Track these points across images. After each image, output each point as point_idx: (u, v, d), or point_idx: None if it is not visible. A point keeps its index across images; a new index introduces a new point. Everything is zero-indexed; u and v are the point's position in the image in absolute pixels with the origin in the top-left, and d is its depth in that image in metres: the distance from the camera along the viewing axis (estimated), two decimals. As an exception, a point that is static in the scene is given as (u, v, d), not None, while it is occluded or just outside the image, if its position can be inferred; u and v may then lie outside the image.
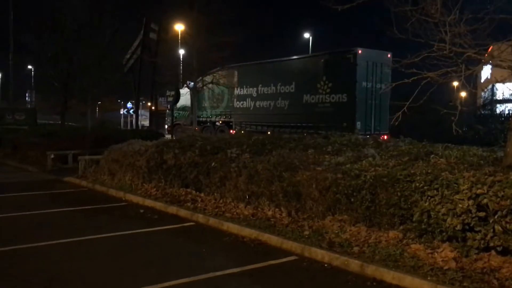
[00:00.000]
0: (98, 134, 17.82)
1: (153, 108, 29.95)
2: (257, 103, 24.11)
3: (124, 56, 25.74)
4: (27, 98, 46.45)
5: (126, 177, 11.62)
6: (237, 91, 24.56)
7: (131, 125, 41.14)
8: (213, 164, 9.47)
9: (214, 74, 21.32)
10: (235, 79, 24.16)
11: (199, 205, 9.07)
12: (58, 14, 21.53)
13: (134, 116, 30.16)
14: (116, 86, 24.61)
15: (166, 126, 30.71)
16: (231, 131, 24.95)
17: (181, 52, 24.03)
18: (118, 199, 10.54)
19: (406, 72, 7.07)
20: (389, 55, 19.80)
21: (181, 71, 22.35)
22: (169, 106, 26.04)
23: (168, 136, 20.52)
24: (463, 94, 36.87)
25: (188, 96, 23.85)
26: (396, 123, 7.52)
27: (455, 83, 26.54)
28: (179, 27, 23.62)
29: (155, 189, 10.47)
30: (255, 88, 24.17)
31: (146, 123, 41.25)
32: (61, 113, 23.40)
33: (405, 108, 7.40)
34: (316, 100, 22.21)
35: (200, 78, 20.93)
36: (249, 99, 25.27)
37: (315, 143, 9.85)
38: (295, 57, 21.13)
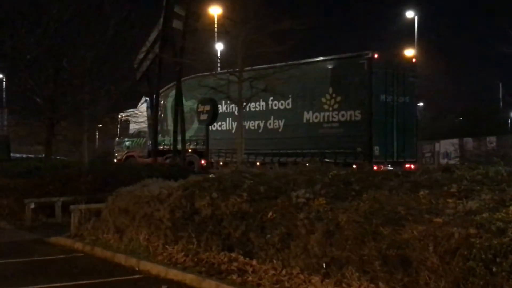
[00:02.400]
0: (99, 172, 18.20)
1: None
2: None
3: (136, 57, 26.47)
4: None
5: (140, 235, 11.69)
6: None
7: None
8: (270, 214, 9.42)
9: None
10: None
11: (250, 278, 8.97)
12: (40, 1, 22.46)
13: (150, 142, 30.68)
14: (124, 100, 25.27)
15: (115, 160, 33.02)
16: (202, 161, 26.37)
17: (219, 47, 24.51)
18: (129, 269, 10.59)
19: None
20: (413, 60, 21.27)
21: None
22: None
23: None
24: None
25: (145, 115, 24.61)
26: None
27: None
28: (215, 11, 24.11)
29: (183, 253, 10.49)
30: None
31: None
32: (45, 142, 24.07)
33: None
34: (320, 119, 23.63)
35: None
36: (230, 119, 26.83)
37: (430, 180, 9.54)
38: (291, 63, 22.65)
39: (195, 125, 27.31)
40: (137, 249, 11.35)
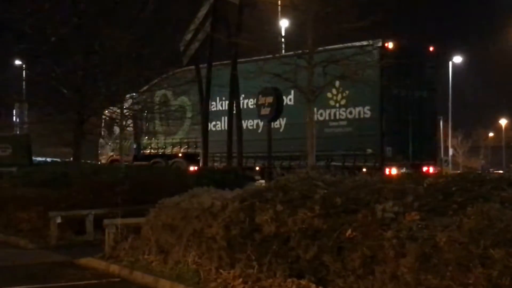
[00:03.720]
0: (137, 179, 18.43)
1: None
2: (238, 124, 26.63)
3: (182, 38, 26.71)
4: (14, 118, 49.65)
5: (188, 257, 11.78)
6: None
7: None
8: (348, 232, 9.38)
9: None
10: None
11: (325, 311, 8.95)
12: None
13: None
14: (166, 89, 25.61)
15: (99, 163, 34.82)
16: (192, 168, 27.44)
17: (284, 24, 24.50)
18: (175, 299, 10.70)
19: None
20: (431, 48, 22.26)
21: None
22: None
23: None
24: None
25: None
26: None
27: None
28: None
29: (240, 280, 10.53)
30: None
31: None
32: (73, 143, 24.49)
33: None
34: (326, 117, 25.55)
35: None
36: (226, 117, 28.09)
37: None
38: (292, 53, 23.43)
39: (186, 126, 28.14)
40: (185, 274, 11.43)
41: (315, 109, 24.21)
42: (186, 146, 30.15)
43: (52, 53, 23.26)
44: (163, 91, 28.05)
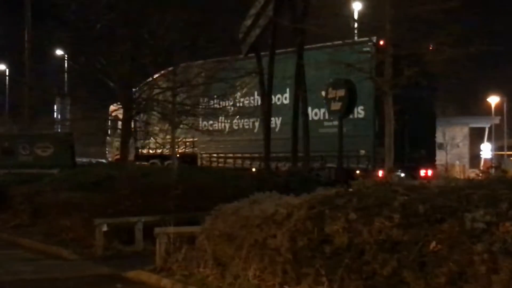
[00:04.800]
0: (192, 183, 18.50)
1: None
2: (234, 122, 29.37)
3: (241, 24, 26.72)
4: (55, 114, 50.45)
5: (248, 270, 11.77)
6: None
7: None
8: (433, 245, 9.29)
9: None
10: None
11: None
12: None
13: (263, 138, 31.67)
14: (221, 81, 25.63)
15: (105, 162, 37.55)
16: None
17: (356, 6, 24.31)
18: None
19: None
20: (431, 47, 22.10)
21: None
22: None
23: None
24: None
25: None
26: None
27: None
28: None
29: (309, 298, 10.46)
30: (230, 99, 28.71)
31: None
32: (121, 141, 24.70)
33: None
34: (320, 116, 27.86)
35: None
36: (222, 117, 30.32)
37: None
38: (290, 49, 25.33)
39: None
40: (245, 291, 11.42)
41: (310, 108, 26.99)
42: (184, 147, 31.95)
43: (97, 42, 23.42)
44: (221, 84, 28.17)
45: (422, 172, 26.42)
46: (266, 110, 27.16)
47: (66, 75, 32.67)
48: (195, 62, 25.38)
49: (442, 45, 20.60)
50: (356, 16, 27.71)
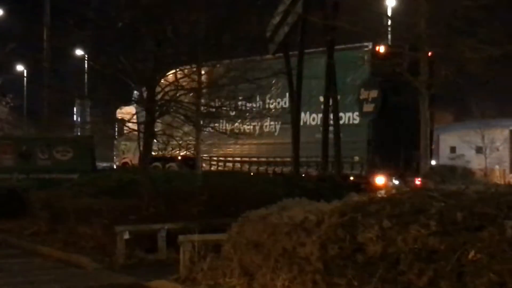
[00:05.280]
0: (217, 188, 18.52)
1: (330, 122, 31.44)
2: (235, 125, 29.76)
3: (269, 22, 26.70)
4: (75, 117, 50.71)
5: (277, 280, 11.76)
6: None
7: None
8: (472, 254, 9.27)
9: None
10: None
11: None
12: None
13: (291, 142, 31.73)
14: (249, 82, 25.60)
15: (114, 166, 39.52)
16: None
17: (390, 3, 24.23)
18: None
19: None
20: (429, 54, 22.00)
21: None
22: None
23: None
24: None
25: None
26: None
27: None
28: None
29: (340, 311, 10.48)
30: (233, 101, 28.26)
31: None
32: (142, 145, 24.75)
33: None
34: (318, 121, 28.95)
35: None
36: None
37: None
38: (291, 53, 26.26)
39: (186, 126, 29.65)
40: (273, 301, 11.43)
41: (308, 113, 28.98)
42: (184, 149, 32.23)
43: (118, 41, 23.50)
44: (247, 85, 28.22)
45: (417, 180, 26.51)
46: (295, 112, 27.13)
47: (86, 76, 32.75)
48: (221, 61, 25.38)
49: (481, 43, 20.42)
50: (389, 13, 27.70)
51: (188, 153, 31.11)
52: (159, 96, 22.74)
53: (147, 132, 23.08)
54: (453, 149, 57.11)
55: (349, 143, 26.70)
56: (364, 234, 10.62)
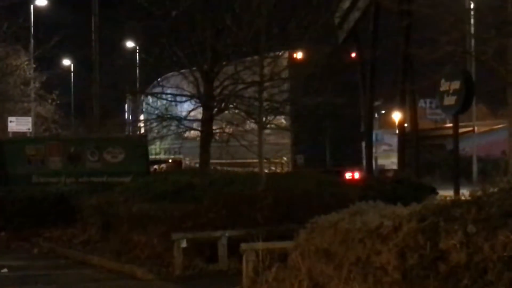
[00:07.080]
0: (284, 192, 18.48)
1: (405, 124, 31.05)
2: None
3: (338, 7, 26.60)
4: (126, 114, 51.04)
5: (350, 295, 11.68)
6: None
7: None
8: None
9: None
10: None
11: None
12: None
13: (364, 143, 31.47)
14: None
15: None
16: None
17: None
18: None
19: None
20: (353, 55, 25.79)
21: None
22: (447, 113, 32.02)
23: None
24: None
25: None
26: None
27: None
28: None
29: (420, 325, 10.38)
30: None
31: (387, 161, 43.57)
32: (200, 144, 24.88)
33: None
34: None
35: None
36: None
37: None
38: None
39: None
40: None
41: None
42: (173, 152, 35.73)
43: (173, 31, 23.53)
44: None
45: (348, 175, 30.71)
46: (369, 108, 27.02)
47: (138, 70, 32.98)
48: (285, 52, 25.45)
49: None
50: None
51: (176, 156, 33.02)
52: (217, 91, 22.79)
53: (204, 130, 23.14)
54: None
55: (280, 145, 31.11)
56: (446, 240, 10.46)
